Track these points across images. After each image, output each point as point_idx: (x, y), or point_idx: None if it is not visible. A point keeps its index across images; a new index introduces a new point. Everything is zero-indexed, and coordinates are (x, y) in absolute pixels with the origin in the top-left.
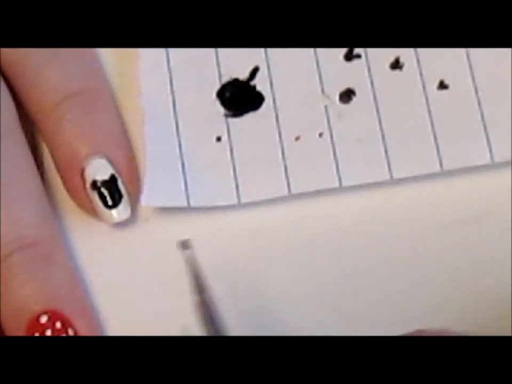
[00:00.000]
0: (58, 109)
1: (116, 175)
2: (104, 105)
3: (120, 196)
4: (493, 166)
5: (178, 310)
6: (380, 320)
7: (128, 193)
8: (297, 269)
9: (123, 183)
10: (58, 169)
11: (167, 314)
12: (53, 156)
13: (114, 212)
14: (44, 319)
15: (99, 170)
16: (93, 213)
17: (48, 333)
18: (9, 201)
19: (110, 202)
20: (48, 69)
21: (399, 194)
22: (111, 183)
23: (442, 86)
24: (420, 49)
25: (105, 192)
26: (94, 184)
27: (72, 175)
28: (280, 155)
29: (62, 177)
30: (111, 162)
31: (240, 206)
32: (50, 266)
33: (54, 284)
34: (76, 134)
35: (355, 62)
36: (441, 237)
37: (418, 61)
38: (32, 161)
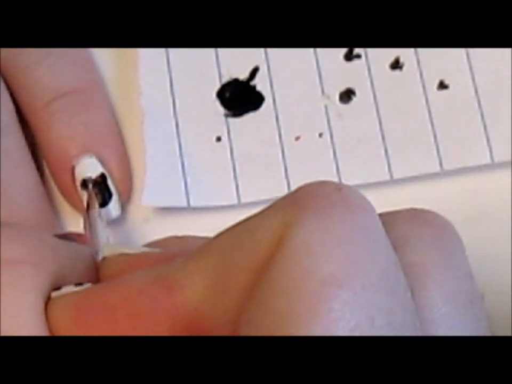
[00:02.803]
0: (48, 109)
1: (106, 174)
2: (96, 105)
3: (110, 195)
4: (493, 166)
5: None
6: None
7: (119, 192)
8: None
9: (113, 182)
10: (49, 168)
11: None
12: (43, 155)
13: (103, 210)
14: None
15: (89, 169)
16: (84, 211)
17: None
18: (7, 198)
19: (99, 201)
20: (39, 69)
21: (399, 194)
22: (101, 182)
23: (442, 86)
24: (420, 49)
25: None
26: (84, 183)
27: (62, 174)
28: (280, 155)
29: (52, 176)
30: (101, 161)
31: (240, 206)
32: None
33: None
34: (66, 133)
35: (355, 62)
36: None
37: (418, 61)
38: (30, 159)
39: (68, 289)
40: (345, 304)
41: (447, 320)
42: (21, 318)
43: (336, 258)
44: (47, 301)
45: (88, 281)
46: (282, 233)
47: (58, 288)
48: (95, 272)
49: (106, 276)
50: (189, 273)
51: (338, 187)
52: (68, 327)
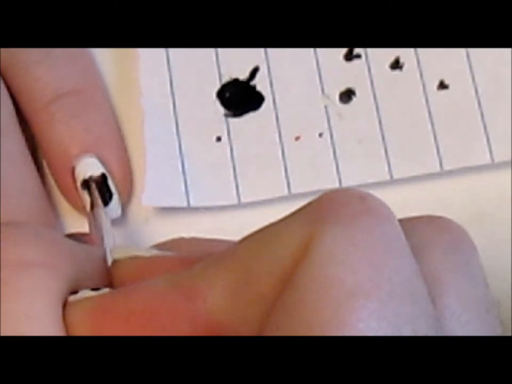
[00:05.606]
0: (48, 109)
1: (106, 174)
2: (96, 105)
3: (110, 195)
4: (493, 166)
5: None
6: None
7: (119, 192)
8: None
9: (113, 182)
10: (49, 168)
11: None
12: (44, 155)
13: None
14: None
15: (89, 169)
16: (84, 211)
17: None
18: (7, 198)
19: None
20: (39, 69)
21: (399, 194)
22: (101, 182)
23: (442, 86)
24: (419, 49)
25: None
26: (84, 183)
27: (63, 174)
28: (280, 155)
29: (53, 176)
30: (101, 161)
31: (240, 206)
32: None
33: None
34: (66, 133)
35: (355, 62)
36: None
37: (418, 61)
38: (30, 159)
39: (85, 293)
40: (372, 314)
41: (465, 327)
42: (38, 323)
43: (362, 268)
44: (64, 305)
45: (101, 284)
46: (307, 242)
47: (75, 292)
48: (107, 274)
49: (119, 279)
50: (209, 280)
51: (362, 196)
52: (85, 333)
